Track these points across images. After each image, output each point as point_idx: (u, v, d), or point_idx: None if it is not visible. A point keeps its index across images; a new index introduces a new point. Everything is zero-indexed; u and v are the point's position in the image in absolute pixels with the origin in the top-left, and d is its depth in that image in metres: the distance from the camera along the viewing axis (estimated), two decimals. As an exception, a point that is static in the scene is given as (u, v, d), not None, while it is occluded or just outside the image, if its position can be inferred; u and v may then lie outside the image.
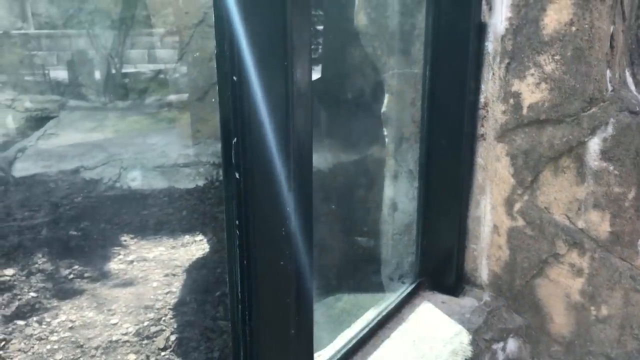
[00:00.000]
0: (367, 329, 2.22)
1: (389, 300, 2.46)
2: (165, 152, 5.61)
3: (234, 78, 1.38)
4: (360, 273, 3.16)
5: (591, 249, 2.36)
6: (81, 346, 3.03)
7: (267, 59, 1.37)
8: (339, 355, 2.06)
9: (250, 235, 1.50)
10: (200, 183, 5.29)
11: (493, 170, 2.48)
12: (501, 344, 2.48)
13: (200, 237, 4.24)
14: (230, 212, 1.50)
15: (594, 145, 2.27)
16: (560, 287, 2.45)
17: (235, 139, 1.43)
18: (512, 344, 2.52)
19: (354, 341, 2.14)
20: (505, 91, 2.38)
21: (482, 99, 2.45)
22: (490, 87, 2.42)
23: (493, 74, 2.40)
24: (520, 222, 2.46)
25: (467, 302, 2.53)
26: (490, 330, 2.41)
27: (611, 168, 2.27)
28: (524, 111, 2.36)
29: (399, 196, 2.79)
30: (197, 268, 3.79)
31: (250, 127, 1.42)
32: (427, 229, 2.59)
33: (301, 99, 1.40)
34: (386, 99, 2.81)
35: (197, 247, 4.08)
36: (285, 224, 1.44)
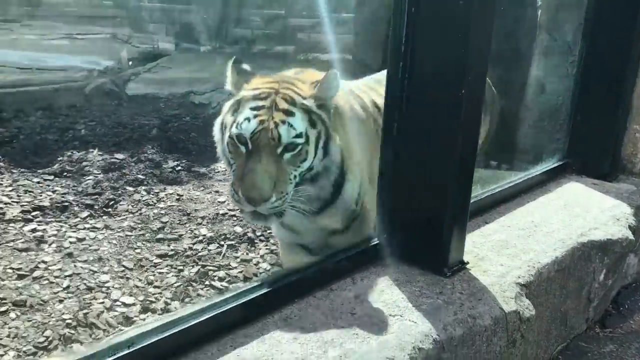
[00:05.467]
0: (508, 186, 1.95)
1: (531, 170, 2.17)
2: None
3: None
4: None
5: None
6: (188, 214, 2.95)
7: None
8: (481, 203, 1.80)
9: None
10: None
11: (674, 30, 2.11)
12: (663, 237, 2.12)
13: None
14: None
15: None
16: None
17: None
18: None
19: (496, 190, 1.88)
20: None
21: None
22: None
23: None
24: (703, 93, 2.09)
25: (622, 186, 2.18)
26: (653, 214, 2.06)
27: None
28: None
29: (548, 75, 2.48)
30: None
31: None
32: (582, 102, 2.25)
33: None
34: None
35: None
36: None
